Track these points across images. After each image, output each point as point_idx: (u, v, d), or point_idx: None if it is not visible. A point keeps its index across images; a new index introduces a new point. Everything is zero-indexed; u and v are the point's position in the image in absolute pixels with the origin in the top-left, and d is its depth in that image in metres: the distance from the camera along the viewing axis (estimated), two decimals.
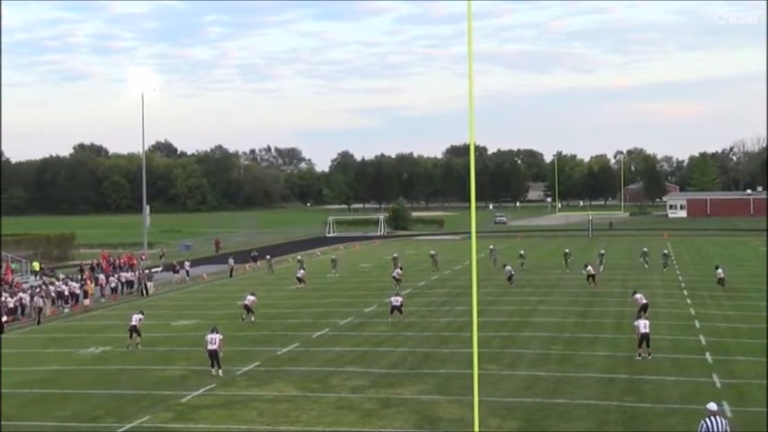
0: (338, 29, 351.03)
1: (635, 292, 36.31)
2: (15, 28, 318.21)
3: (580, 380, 25.71)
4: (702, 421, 16.51)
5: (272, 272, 61.32)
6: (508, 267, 50.90)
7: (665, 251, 60.70)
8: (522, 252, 60.81)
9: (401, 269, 52.95)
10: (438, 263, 60.72)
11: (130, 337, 33.00)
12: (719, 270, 46.93)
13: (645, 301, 34.78)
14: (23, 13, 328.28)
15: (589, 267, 49.04)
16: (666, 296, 43.78)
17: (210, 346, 27.19)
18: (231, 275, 60.57)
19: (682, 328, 34.28)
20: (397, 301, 37.81)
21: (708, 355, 28.61)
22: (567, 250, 60.79)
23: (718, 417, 16.46)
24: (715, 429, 16.24)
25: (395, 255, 63.53)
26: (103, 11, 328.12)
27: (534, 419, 21.56)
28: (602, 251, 59.57)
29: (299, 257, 63.92)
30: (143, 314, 34.94)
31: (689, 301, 41.69)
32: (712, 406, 16.71)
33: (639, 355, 28.26)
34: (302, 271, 52.95)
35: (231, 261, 62.79)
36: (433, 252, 63.13)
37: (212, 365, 27.31)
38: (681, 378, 25.49)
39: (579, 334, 33.31)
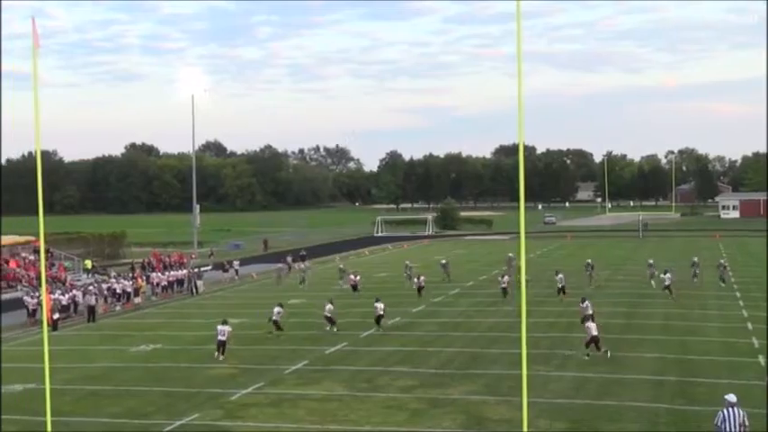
0: (387, 29, 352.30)
1: (583, 300, 35.12)
2: (69, 29, 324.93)
3: (629, 381, 25.50)
4: (720, 412, 16.53)
5: (279, 283, 54.92)
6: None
7: (722, 260, 53.51)
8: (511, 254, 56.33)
9: (419, 277, 47.96)
10: (450, 273, 54.56)
11: (278, 329, 34.70)
12: (668, 275, 43.60)
13: (590, 312, 33.75)
14: (76, 15, 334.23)
15: (560, 276, 45.11)
16: (718, 298, 43.16)
17: (220, 337, 30.18)
18: (288, 273, 59.87)
19: (734, 330, 33.80)
20: (380, 309, 36.12)
21: (761, 358, 28.18)
22: (590, 261, 53.42)
23: (736, 408, 16.44)
24: (731, 420, 16.22)
25: (407, 262, 56.42)
26: (154, 12, 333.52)
27: (583, 421, 21.44)
28: (651, 261, 52.66)
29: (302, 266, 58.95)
30: (282, 307, 36.13)
31: (741, 303, 41.06)
32: (731, 397, 16.67)
33: (588, 355, 28.34)
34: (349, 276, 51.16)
35: (289, 259, 63.11)
36: (444, 261, 56.60)
37: (218, 351, 30.28)
38: (733, 381, 25.06)
39: (626, 335, 32.99)
